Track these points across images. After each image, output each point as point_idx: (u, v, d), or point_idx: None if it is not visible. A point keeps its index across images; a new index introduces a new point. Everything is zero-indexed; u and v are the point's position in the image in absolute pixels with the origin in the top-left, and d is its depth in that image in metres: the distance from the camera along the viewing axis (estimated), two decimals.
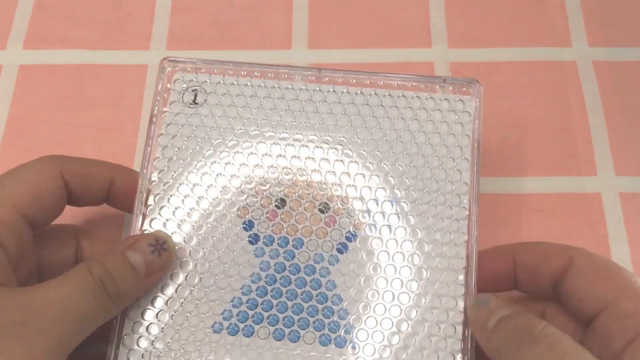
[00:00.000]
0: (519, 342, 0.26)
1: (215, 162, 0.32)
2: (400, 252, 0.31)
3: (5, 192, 0.28)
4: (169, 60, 0.33)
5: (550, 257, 0.29)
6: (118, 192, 0.32)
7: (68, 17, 0.43)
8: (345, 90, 0.33)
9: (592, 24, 0.43)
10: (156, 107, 0.33)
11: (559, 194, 0.37)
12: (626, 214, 0.37)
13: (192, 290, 0.31)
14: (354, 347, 0.30)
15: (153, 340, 0.30)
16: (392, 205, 0.32)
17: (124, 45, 0.42)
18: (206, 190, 0.32)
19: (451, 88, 0.33)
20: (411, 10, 0.43)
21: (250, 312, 0.30)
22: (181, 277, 0.31)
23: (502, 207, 0.37)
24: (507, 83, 0.41)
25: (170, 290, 0.30)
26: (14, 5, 0.44)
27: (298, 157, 0.32)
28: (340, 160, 0.32)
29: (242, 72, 0.33)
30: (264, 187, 0.32)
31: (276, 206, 0.32)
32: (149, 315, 0.30)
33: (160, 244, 0.29)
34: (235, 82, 0.33)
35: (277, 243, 0.31)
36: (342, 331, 0.30)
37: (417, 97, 0.33)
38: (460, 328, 0.30)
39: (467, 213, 0.31)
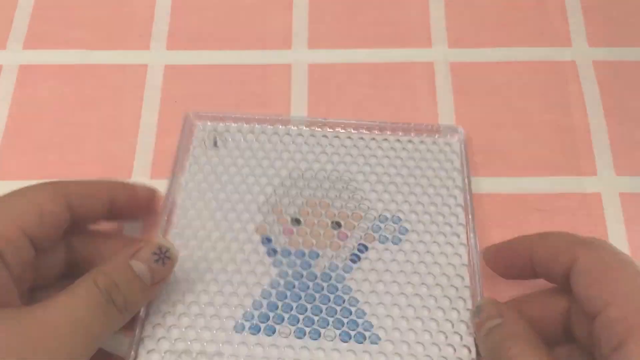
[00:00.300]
0: (496, 358, 0.27)
1: (234, 191, 0.36)
2: (409, 261, 0.34)
3: (11, 211, 0.28)
4: (194, 115, 0.38)
5: (559, 253, 0.29)
6: (119, 207, 0.32)
7: (68, 17, 0.43)
8: (348, 137, 0.38)
9: (592, 24, 0.43)
10: (179, 155, 0.37)
11: (559, 194, 0.37)
12: (626, 214, 0.37)
13: (212, 297, 0.33)
14: (373, 342, 0.32)
15: (174, 341, 0.31)
16: (397, 223, 0.35)
17: (124, 45, 0.42)
18: (226, 214, 0.35)
19: (437, 136, 0.38)
20: (411, 10, 0.43)
21: (271, 314, 0.32)
22: (200, 287, 0.33)
23: (502, 207, 0.37)
24: (507, 83, 0.41)
25: (190, 297, 0.32)
26: (14, 5, 0.44)
27: (309, 187, 0.36)
28: (349, 190, 0.36)
29: (256, 125, 0.38)
30: (280, 208, 0.35)
31: (292, 224, 0.35)
32: (170, 318, 0.32)
33: (164, 252, 0.29)
34: (252, 132, 0.38)
35: (294, 255, 0.34)
36: (361, 328, 0.32)
37: (410, 141, 0.38)
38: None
39: (464, 223, 0.35)
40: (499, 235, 0.36)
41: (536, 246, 0.30)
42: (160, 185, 0.38)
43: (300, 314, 0.32)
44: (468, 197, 0.36)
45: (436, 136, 0.38)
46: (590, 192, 0.38)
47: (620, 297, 0.26)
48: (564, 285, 0.29)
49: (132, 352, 0.31)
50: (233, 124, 0.38)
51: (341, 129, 0.38)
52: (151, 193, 0.34)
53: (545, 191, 0.38)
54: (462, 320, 0.32)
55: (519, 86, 0.41)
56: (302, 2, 0.43)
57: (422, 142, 0.38)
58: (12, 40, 0.42)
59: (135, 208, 0.32)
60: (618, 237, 0.36)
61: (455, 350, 0.31)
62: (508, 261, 0.32)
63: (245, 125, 0.38)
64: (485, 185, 0.38)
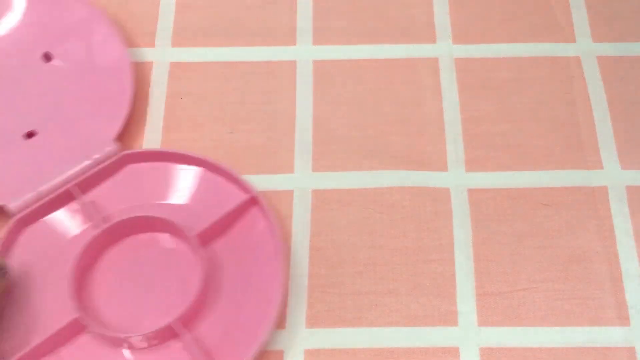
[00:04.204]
0: None
1: None
2: None
3: None
4: None
5: None
6: None
7: None
8: None
9: (596, 19, 0.43)
10: None
11: (565, 188, 0.37)
12: (632, 208, 0.37)
13: None
14: None
15: None
16: None
17: (129, 43, 0.42)
18: None
19: None
20: (415, 5, 0.43)
21: None
22: None
23: (509, 201, 0.37)
24: (512, 78, 0.41)
25: None
26: None
27: None
28: None
29: None
30: None
31: None
32: None
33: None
34: None
35: None
36: None
37: None
38: None
39: None
40: (505, 229, 0.36)
41: None
42: None
43: None
44: None
45: None
46: (596, 186, 0.38)
47: None
48: None
49: None
50: None
51: None
52: None
53: (552, 185, 0.38)
54: None
55: (524, 81, 0.41)
56: None
57: None
58: None
59: None
60: (624, 231, 0.36)
61: None
62: None
63: None
64: (492, 179, 0.38)
